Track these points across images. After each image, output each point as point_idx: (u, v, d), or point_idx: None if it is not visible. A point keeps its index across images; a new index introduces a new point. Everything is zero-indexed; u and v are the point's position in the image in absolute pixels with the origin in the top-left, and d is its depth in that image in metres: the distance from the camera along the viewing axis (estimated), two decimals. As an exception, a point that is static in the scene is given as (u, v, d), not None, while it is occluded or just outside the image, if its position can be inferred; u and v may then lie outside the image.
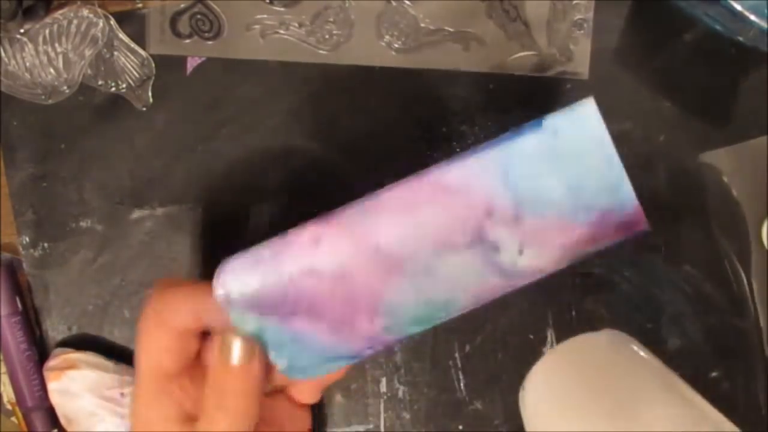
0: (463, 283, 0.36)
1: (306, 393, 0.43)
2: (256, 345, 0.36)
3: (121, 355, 0.49)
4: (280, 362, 0.37)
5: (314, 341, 0.37)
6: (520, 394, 0.43)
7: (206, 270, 0.50)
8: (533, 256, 0.36)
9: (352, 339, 0.37)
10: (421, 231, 0.35)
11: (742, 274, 0.49)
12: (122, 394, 0.47)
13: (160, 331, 0.38)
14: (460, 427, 0.50)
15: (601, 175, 0.35)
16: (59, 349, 0.49)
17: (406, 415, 0.50)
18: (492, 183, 0.35)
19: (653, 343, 0.49)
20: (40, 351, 0.50)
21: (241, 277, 0.36)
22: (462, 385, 0.50)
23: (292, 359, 0.37)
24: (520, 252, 0.36)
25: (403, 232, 0.35)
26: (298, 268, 0.36)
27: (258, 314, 0.36)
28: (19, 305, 0.49)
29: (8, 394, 0.49)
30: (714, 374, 0.49)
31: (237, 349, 0.36)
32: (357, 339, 0.37)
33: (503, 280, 0.37)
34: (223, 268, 0.37)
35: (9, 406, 0.50)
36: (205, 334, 0.39)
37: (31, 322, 0.50)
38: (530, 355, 0.49)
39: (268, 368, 0.37)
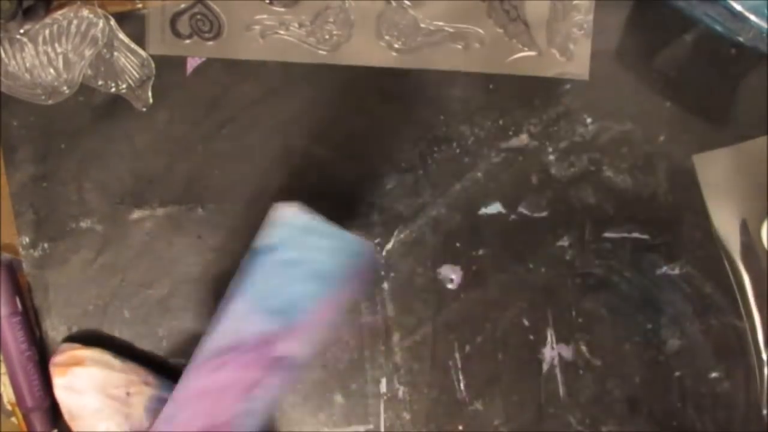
0: (276, 396, 0.40)
1: None
2: None
3: (128, 353, 0.49)
4: None
5: None
6: None
7: (206, 270, 0.50)
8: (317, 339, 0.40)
9: None
10: (226, 396, 0.38)
11: (742, 274, 0.49)
12: (128, 394, 0.47)
13: None
14: (460, 427, 0.50)
15: (329, 249, 0.38)
16: (66, 344, 0.49)
17: (406, 415, 0.50)
18: (261, 320, 0.38)
19: (653, 343, 0.49)
20: (40, 351, 0.50)
21: None
22: (462, 385, 0.50)
23: None
24: (310, 346, 0.39)
25: (211, 410, 0.39)
26: None
27: None
28: (19, 305, 0.49)
29: (8, 395, 0.49)
30: (714, 374, 0.49)
31: None
32: None
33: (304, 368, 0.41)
34: None
35: (9, 407, 0.50)
36: None
37: (31, 323, 0.50)
38: (530, 355, 0.49)
39: None
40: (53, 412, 0.49)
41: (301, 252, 0.38)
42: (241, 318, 0.39)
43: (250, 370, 0.38)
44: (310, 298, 0.39)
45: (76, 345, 0.49)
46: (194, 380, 0.40)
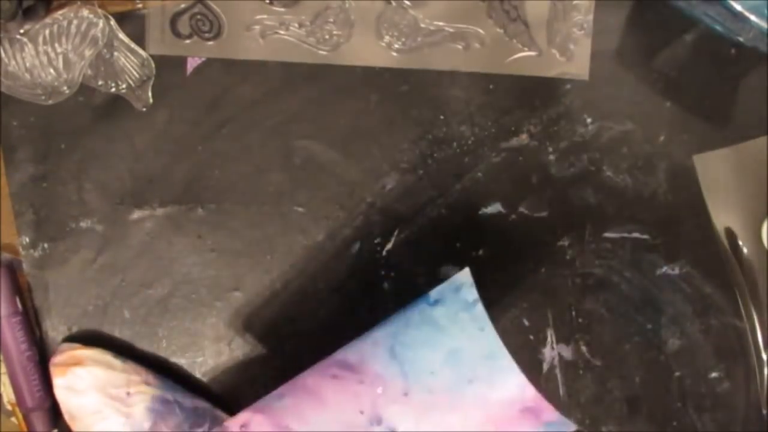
0: None
1: None
2: None
3: (128, 353, 0.49)
4: None
5: None
6: None
7: (206, 270, 0.50)
8: None
9: None
10: (325, 411, 0.37)
11: (742, 274, 0.49)
12: (129, 394, 0.47)
13: None
14: (460, 427, 0.50)
15: (476, 342, 0.35)
16: (66, 344, 0.49)
17: (406, 415, 0.50)
18: (382, 357, 0.36)
19: (653, 343, 0.49)
20: (41, 351, 0.50)
21: None
22: (462, 385, 0.50)
23: None
24: None
25: (310, 414, 0.37)
26: None
27: None
28: (19, 305, 0.49)
29: (8, 395, 0.49)
30: (714, 374, 0.49)
31: None
32: None
33: None
34: None
35: (9, 407, 0.50)
36: None
37: (31, 323, 0.50)
38: (530, 355, 0.49)
39: None
40: (54, 412, 0.49)
41: (451, 324, 0.36)
42: (371, 344, 0.37)
43: (358, 405, 0.37)
44: (434, 376, 0.36)
45: (76, 345, 0.49)
46: (313, 375, 0.39)
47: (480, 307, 0.36)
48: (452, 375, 0.36)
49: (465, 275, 0.37)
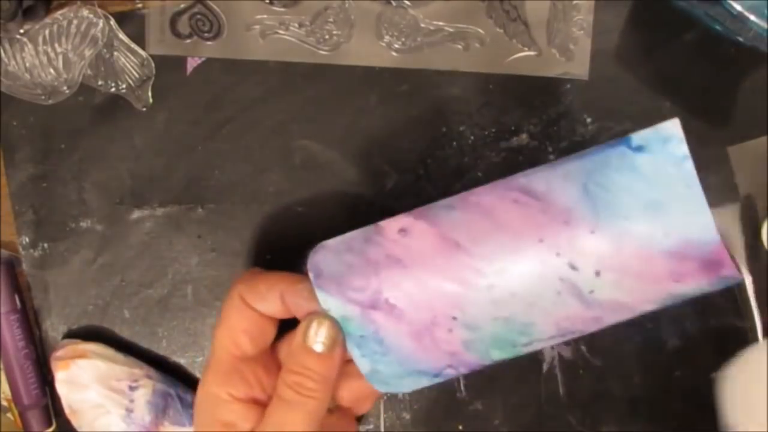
0: (541, 304, 0.35)
1: (364, 404, 0.43)
2: (340, 333, 0.37)
3: (130, 350, 0.49)
4: (363, 364, 0.38)
5: (395, 345, 0.36)
6: (720, 378, 0.45)
7: (206, 270, 0.50)
8: (612, 284, 0.35)
9: (433, 350, 0.37)
10: (501, 234, 0.35)
11: (743, 275, 0.48)
12: (131, 387, 0.47)
13: (242, 314, 0.39)
14: (460, 427, 0.50)
15: (680, 198, 0.33)
16: (68, 340, 0.49)
17: (406, 415, 0.50)
18: (572, 192, 0.35)
19: (653, 343, 0.49)
20: (40, 352, 0.50)
21: (331, 257, 0.37)
22: (462, 385, 0.50)
23: (375, 362, 0.37)
24: (597, 274, 0.34)
25: (483, 234, 0.35)
26: (384, 255, 0.36)
27: (342, 299, 0.36)
28: (18, 303, 0.49)
29: (5, 392, 0.49)
30: (714, 374, 0.49)
31: (322, 334, 0.37)
32: (437, 351, 0.37)
33: (583, 307, 0.35)
34: (316, 249, 0.38)
35: (5, 403, 0.50)
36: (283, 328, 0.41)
37: (29, 321, 0.50)
38: (530, 354, 0.49)
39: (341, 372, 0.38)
40: (50, 410, 0.49)
41: (654, 174, 0.34)
42: (561, 177, 0.35)
43: (538, 233, 0.35)
44: (628, 223, 0.34)
45: (77, 340, 0.49)
46: (489, 195, 0.36)
47: (690, 165, 0.33)
48: (647, 226, 0.34)
49: (675, 126, 0.34)
